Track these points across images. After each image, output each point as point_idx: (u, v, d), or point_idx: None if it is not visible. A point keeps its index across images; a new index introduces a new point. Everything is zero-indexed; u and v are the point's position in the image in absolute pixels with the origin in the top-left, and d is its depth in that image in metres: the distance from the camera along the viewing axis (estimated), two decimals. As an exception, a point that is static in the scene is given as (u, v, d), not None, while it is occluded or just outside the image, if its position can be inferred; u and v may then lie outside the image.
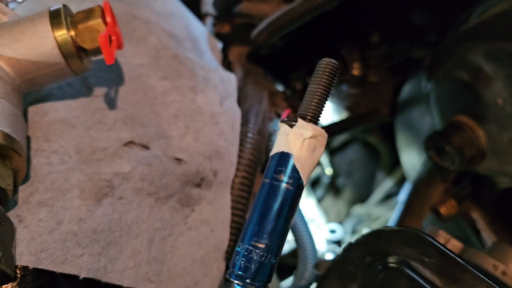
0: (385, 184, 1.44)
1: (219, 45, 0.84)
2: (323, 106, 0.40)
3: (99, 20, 0.50)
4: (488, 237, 0.79)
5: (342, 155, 1.51)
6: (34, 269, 0.43)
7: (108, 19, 0.50)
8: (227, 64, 0.88)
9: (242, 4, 0.87)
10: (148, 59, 0.66)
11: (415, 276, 0.47)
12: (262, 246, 0.37)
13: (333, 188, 1.56)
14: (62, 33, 0.49)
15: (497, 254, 0.66)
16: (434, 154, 0.72)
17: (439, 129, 0.72)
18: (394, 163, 1.39)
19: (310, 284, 0.69)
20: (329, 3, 0.69)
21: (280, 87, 0.96)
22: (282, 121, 0.39)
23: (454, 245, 0.67)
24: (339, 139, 1.48)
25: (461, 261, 0.47)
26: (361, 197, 1.49)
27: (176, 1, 0.82)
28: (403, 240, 0.49)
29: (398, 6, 1.03)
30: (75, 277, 0.45)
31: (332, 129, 0.96)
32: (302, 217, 0.73)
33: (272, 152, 0.39)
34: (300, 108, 0.40)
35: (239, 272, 0.37)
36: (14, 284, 0.42)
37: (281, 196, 0.38)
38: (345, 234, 1.36)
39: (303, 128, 0.38)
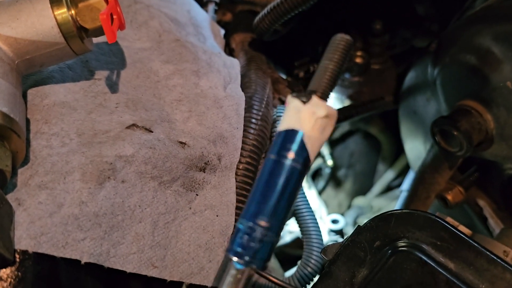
0: (387, 176, 1.43)
1: (222, 31, 0.83)
2: (335, 84, 0.38)
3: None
4: (496, 224, 0.78)
5: (343, 147, 1.50)
6: (34, 253, 0.42)
7: (110, -2, 0.49)
8: (229, 51, 0.87)
9: (245, -9, 0.86)
10: (150, 43, 0.65)
11: (427, 260, 0.46)
12: (264, 224, 0.36)
13: (334, 179, 1.55)
14: (62, 12, 0.48)
15: (507, 240, 0.65)
16: (441, 139, 0.71)
17: (445, 115, 0.71)
18: (396, 155, 1.39)
19: (316, 272, 0.68)
20: None
21: (283, 75, 0.95)
22: (293, 96, 0.37)
23: (463, 230, 0.66)
24: (340, 130, 1.47)
25: (476, 244, 0.46)
26: (362, 188, 1.49)
27: None
28: (414, 224, 0.48)
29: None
30: (77, 262, 0.44)
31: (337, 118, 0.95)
32: (308, 204, 0.72)
33: (280, 128, 0.37)
34: (311, 83, 0.38)
35: (239, 249, 0.35)
36: (13, 268, 0.40)
37: (286, 174, 0.36)
38: (347, 224, 1.36)
39: (317, 106, 0.36)
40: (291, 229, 1.32)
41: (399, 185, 1.40)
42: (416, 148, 0.95)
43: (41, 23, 0.48)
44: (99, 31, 0.50)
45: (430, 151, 0.79)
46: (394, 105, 0.97)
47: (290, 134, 0.37)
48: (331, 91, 0.38)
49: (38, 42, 0.48)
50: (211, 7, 0.90)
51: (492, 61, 0.64)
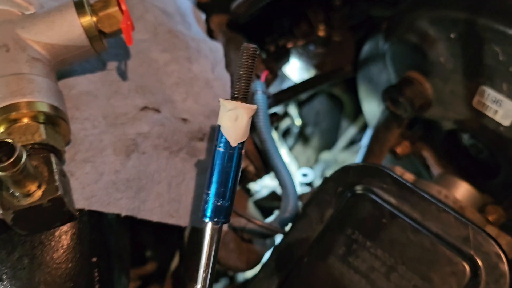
0: (349, 131, 1.55)
1: (203, 16, 0.95)
2: (249, 84, 0.53)
3: (116, 8, 0.60)
4: (436, 171, 0.95)
5: (309, 107, 1.61)
6: (88, 210, 0.56)
7: (124, 7, 0.61)
8: (208, 32, 0.99)
9: (221, -23, 0.97)
10: (147, 34, 0.76)
11: (376, 199, 0.62)
12: (224, 195, 0.53)
13: (302, 137, 1.67)
14: (87, 20, 0.60)
15: (441, 182, 0.82)
16: (390, 104, 0.86)
17: (394, 83, 0.86)
18: (357, 112, 1.50)
19: (292, 216, 0.83)
20: None
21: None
22: (223, 103, 0.52)
23: (408, 177, 0.83)
24: (306, 92, 1.57)
25: (411, 185, 0.62)
26: (328, 144, 1.61)
27: None
28: (367, 173, 0.64)
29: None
30: (118, 215, 0.58)
31: (302, 87, 1.09)
32: (283, 161, 0.87)
33: (219, 124, 0.53)
34: (233, 89, 0.52)
35: (213, 216, 0.53)
36: (75, 222, 0.54)
37: (220, 158, 0.52)
38: (316, 177, 1.51)
39: (224, 105, 0.51)
40: (266, 184, 1.47)
41: (360, 139, 1.52)
42: (372, 109, 1.10)
43: (71, 31, 0.59)
44: (115, 34, 0.62)
45: (382, 114, 0.94)
46: (353, 73, 1.11)
47: (218, 128, 0.53)
48: (247, 91, 0.52)
49: (69, 46, 0.60)
50: (192, -7, 1.01)
51: (429, 40, 0.78)
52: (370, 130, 1.10)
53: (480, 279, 0.56)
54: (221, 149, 0.52)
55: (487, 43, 0.69)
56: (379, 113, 0.98)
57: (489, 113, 0.74)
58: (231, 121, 0.52)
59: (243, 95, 0.52)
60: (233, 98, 0.52)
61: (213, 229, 0.54)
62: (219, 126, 0.52)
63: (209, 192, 0.53)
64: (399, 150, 0.91)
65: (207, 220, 0.54)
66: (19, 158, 0.44)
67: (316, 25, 1.15)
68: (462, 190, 0.80)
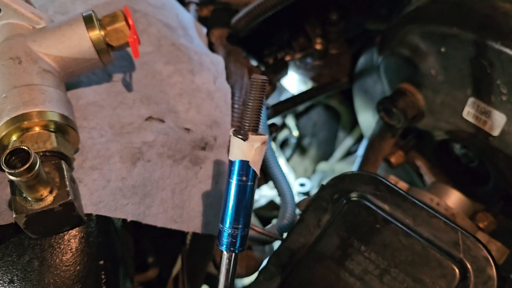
0: (346, 142, 1.58)
1: (204, 30, 0.98)
2: (260, 114, 0.53)
3: (124, 23, 0.64)
4: (429, 179, 0.98)
5: (307, 118, 1.64)
6: (96, 215, 0.59)
7: (130, 22, 0.64)
8: (209, 45, 1.02)
9: (222, -7, 1.01)
10: (151, 47, 0.80)
11: (370, 205, 0.65)
12: (239, 226, 0.54)
13: (300, 148, 1.69)
14: (96, 34, 0.63)
15: (433, 190, 0.85)
16: (384, 115, 0.90)
17: (388, 95, 0.89)
18: (353, 124, 1.53)
19: (290, 223, 0.86)
20: None
21: (254, 63, 1.11)
22: (234, 134, 0.52)
23: (402, 185, 0.86)
24: (304, 104, 1.60)
25: (403, 193, 0.65)
26: (325, 154, 1.64)
27: None
28: (361, 181, 0.67)
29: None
30: (124, 220, 0.61)
31: (300, 98, 1.13)
32: (281, 171, 0.90)
33: (232, 158, 0.53)
34: (244, 121, 0.52)
35: (229, 247, 0.55)
36: (84, 227, 0.57)
37: (248, 193, 0.54)
38: (313, 187, 1.54)
39: (253, 141, 0.51)
40: (264, 194, 1.50)
41: (357, 150, 1.55)
42: (367, 120, 1.13)
43: (80, 44, 0.63)
44: (122, 47, 0.65)
45: (377, 124, 0.97)
46: (349, 85, 1.15)
47: (242, 163, 0.52)
48: (258, 122, 0.53)
49: (78, 59, 0.63)
50: (193, 7, 1.04)
51: (420, 54, 0.82)
52: (366, 141, 1.13)
53: (469, 282, 0.59)
54: (234, 182, 0.53)
55: (475, 57, 0.73)
56: (374, 124, 1.01)
57: (479, 124, 0.77)
58: (259, 155, 0.52)
59: (254, 126, 0.52)
60: (244, 129, 0.52)
61: (229, 257, 0.56)
62: (242, 162, 0.52)
63: (223, 225, 0.54)
64: (393, 159, 0.94)
65: (224, 249, 0.55)
66: (33, 164, 0.47)
67: (314, 39, 1.19)
68: (454, 198, 0.83)
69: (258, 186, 0.94)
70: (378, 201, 0.65)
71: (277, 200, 1.46)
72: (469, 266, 0.59)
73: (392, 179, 0.87)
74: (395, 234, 0.62)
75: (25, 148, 0.47)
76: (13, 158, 0.47)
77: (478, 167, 0.89)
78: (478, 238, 0.61)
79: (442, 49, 0.78)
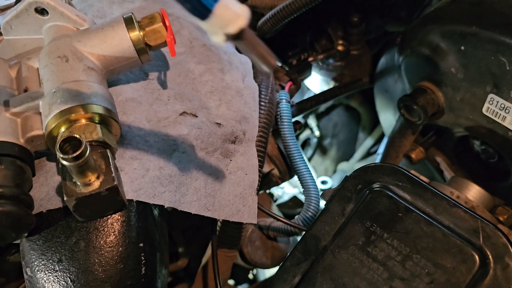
0: (366, 143, 1.60)
1: (231, 32, 1.02)
2: None
3: (161, 24, 0.68)
4: (449, 175, 1.01)
5: (328, 119, 1.67)
6: (136, 201, 0.63)
7: (167, 23, 0.69)
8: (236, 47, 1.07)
9: (249, -1, 1.05)
10: (184, 48, 0.84)
11: (392, 195, 0.68)
12: None
13: (320, 148, 1.73)
14: (136, 34, 0.67)
15: (454, 184, 0.88)
16: (405, 112, 0.93)
17: (408, 93, 0.92)
18: (374, 124, 1.56)
19: (315, 215, 0.90)
20: None
21: (279, 64, 1.16)
22: None
23: (422, 179, 0.89)
24: (325, 104, 1.62)
25: (424, 183, 0.69)
26: (345, 155, 1.67)
27: None
28: (383, 172, 0.70)
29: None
30: (160, 210, 0.65)
31: (323, 97, 1.17)
32: (305, 164, 0.93)
33: None
34: None
35: None
36: (125, 211, 0.62)
37: None
38: (334, 186, 1.57)
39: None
40: (287, 191, 1.54)
41: (377, 151, 1.58)
42: (388, 119, 1.17)
43: (121, 44, 0.67)
44: (159, 47, 0.70)
45: (398, 121, 1.00)
46: (370, 84, 1.18)
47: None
48: None
49: (119, 57, 0.68)
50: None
51: (441, 52, 0.85)
52: (387, 139, 1.16)
53: (489, 267, 0.61)
54: None
55: (494, 54, 0.76)
56: (395, 122, 1.04)
57: (498, 120, 0.80)
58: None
59: None
60: None
61: None
62: None
63: None
64: (413, 155, 0.98)
65: None
66: (84, 151, 0.52)
67: (336, 40, 1.23)
68: (474, 192, 0.86)
69: (284, 180, 0.98)
70: (400, 191, 0.68)
71: (300, 197, 1.49)
72: (488, 253, 0.62)
73: (413, 173, 0.90)
74: (416, 222, 0.66)
75: (77, 136, 0.52)
76: (66, 145, 0.52)
77: (498, 163, 0.92)
78: (497, 226, 0.64)
79: (462, 48, 0.81)
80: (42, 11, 0.70)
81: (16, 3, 0.78)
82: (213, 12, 0.45)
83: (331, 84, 1.24)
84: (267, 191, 1.30)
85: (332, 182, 1.54)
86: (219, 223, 0.86)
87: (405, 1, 1.21)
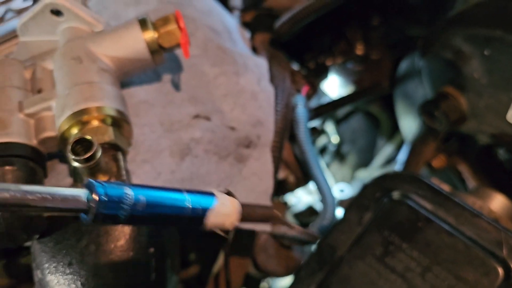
0: (386, 150, 1.57)
1: (248, 34, 1.01)
2: None
3: (176, 26, 0.67)
4: (472, 185, 0.98)
5: (346, 124, 1.64)
6: None
7: (182, 25, 0.67)
8: (252, 49, 1.05)
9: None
10: (198, 50, 0.83)
11: (411, 204, 0.65)
12: None
13: (339, 154, 1.70)
14: (150, 36, 0.67)
15: (476, 194, 0.85)
16: (426, 118, 0.90)
17: (430, 98, 0.90)
18: (393, 131, 1.54)
19: (331, 223, 0.87)
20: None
21: (296, 67, 1.14)
22: None
23: (444, 187, 0.86)
24: (344, 110, 1.61)
25: (445, 192, 0.66)
26: (364, 162, 1.63)
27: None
28: (403, 180, 0.68)
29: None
30: None
31: (341, 102, 1.14)
32: (322, 171, 0.91)
33: None
34: None
35: None
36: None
37: None
38: (352, 193, 1.54)
39: None
40: (303, 200, 1.51)
41: (396, 158, 1.55)
42: (408, 125, 1.14)
43: (136, 45, 0.66)
44: (173, 49, 0.69)
45: (418, 128, 0.98)
46: (389, 89, 1.16)
47: None
48: None
49: (134, 59, 0.67)
50: (236, 13, 1.08)
51: (464, 57, 0.82)
52: (407, 146, 1.13)
53: (513, 281, 0.59)
54: None
55: (520, 59, 0.73)
56: (415, 128, 1.02)
57: (523, 127, 0.77)
58: None
59: None
60: None
61: None
62: None
63: None
64: (435, 163, 0.95)
65: None
66: (96, 152, 0.51)
67: (354, 44, 1.21)
68: (497, 202, 0.83)
69: (299, 186, 0.96)
70: (420, 200, 0.66)
71: (316, 206, 1.47)
72: (512, 266, 0.59)
73: (435, 180, 0.88)
74: (437, 233, 0.63)
75: (89, 138, 0.51)
76: (78, 147, 0.51)
77: (523, 172, 0.88)
78: (522, 239, 0.61)
79: (486, 52, 0.78)
80: (57, 13, 0.70)
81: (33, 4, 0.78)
82: (206, 222, 0.48)
83: (350, 89, 1.21)
84: (282, 197, 1.28)
85: (350, 190, 1.52)
86: (231, 232, 0.84)
87: (426, 4, 1.19)
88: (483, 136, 0.88)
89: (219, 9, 0.98)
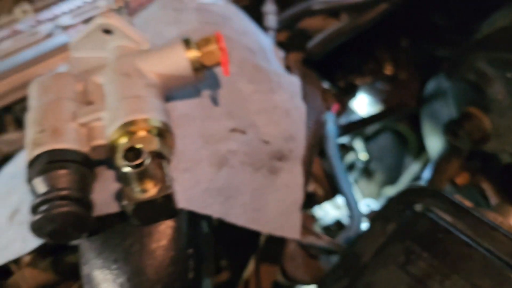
0: (412, 168, 1.60)
1: (282, 53, 1.07)
2: None
3: (216, 46, 0.73)
4: (495, 202, 1.00)
5: (374, 142, 1.68)
6: (186, 210, 0.67)
7: (222, 45, 0.74)
8: (286, 67, 1.11)
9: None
10: (235, 68, 0.89)
11: (433, 217, 0.70)
12: None
13: (366, 171, 1.74)
14: (193, 55, 0.73)
15: (498, 210, 0.88)
16: (451, 137, 0.94)
17: (455, 118, 0.94)
18: (421, 149, 1.55)
19: (357, 235, 0.92)
20: (370, 22, 0.91)
21: (326, 85, 1.19)
22: None
23: (466, 204, 0.89)
24: (372, 128, 1.64)
25: (465, 207, 0.70)
26: (391, 179, 1.67)
27: (247, 20, 1.05)
28: (425, 194, 0.72)
29: (422, 11, 1.24)
30: (209, 218, 0.70)
31: (370, 120, 1.19)
32: (350, 185, 0.96)
33: None
34: None
35: None
36: (176, 219, 0.66)
37: None
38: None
39: None
40: (331, 214, 1.55)
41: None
42: (434, 143, 1.17)
43: (179, 63, 0.73)
44: (213, 67, 0.75)
45: (443, 146, 1.01)
46: (416, 109, 1.20)
47: None
48: None
49: (177, 76, 0.73)
50: (271, 33, 1.14)
51: (487, 79, 0.86)
52: (432, 163, 1.16)
53: (528, 292, 0.62)
54: None
55: (541, 82, 0.76)
56: (441, 147, 1.05)
57: (545, 147, 0.80)
58: None
59: None
60: None
61: None
62: None
63: None
64: (458, 180, 0.98)
65: None
66: (145, 160, 0.57)
67: (383, 64, 1.25)
68: (519, 219, 0.85)
69: (327, 199, 1.01)
70: (441, 213, 0.70)
71: (344, 220, 1.51)
72: (528, 277, 0.63)
73: (457, 197, 0.91)
74: (456, 244, 0.67)
75: (139, 146, 0.57)
76: (129, 154, 0.57)
77: (546, 191, 0.91)
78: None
79: (509, 75, 0.82)
80: (108, 32, 0.76)
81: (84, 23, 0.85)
82: None
83: (378, 107, 1.26)
84: (310, 210, 1.33)
85: (376, 206, 1.55)
86: (262, 238, 0.89)
87: (453, 26, 1.23)
88: (506, 155, 0.91)
89: (255, 29, 1.04)
